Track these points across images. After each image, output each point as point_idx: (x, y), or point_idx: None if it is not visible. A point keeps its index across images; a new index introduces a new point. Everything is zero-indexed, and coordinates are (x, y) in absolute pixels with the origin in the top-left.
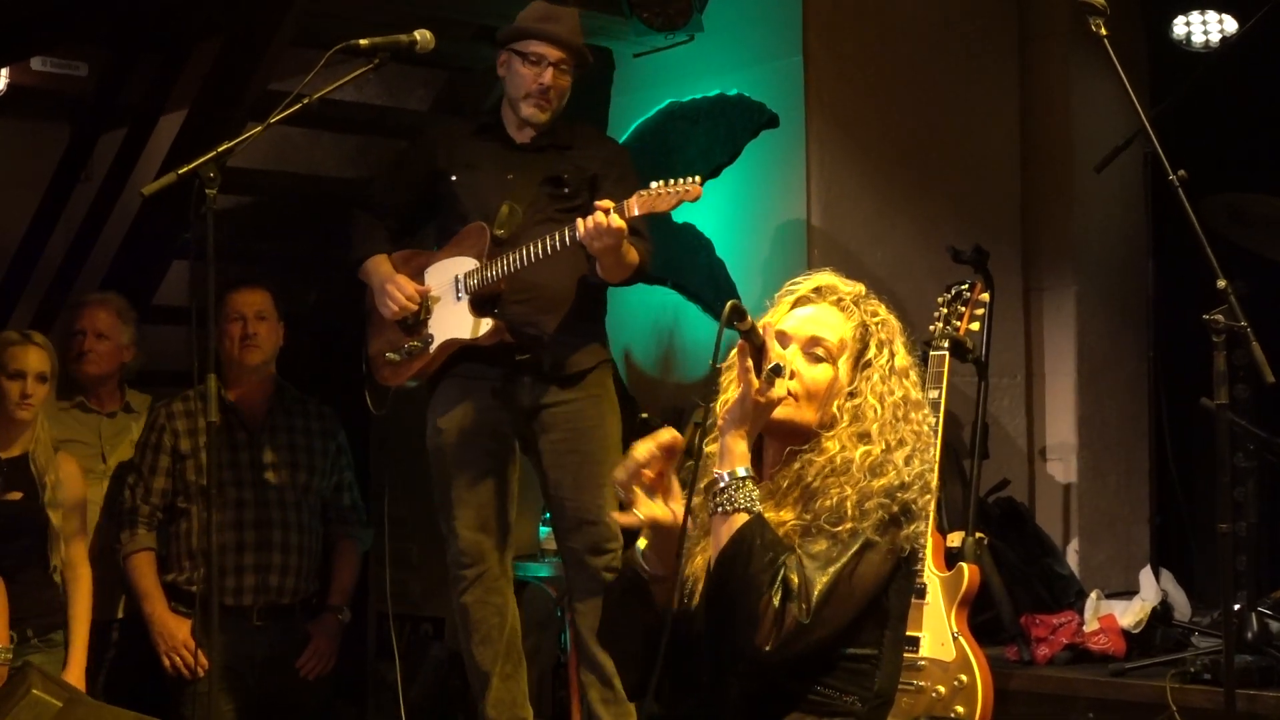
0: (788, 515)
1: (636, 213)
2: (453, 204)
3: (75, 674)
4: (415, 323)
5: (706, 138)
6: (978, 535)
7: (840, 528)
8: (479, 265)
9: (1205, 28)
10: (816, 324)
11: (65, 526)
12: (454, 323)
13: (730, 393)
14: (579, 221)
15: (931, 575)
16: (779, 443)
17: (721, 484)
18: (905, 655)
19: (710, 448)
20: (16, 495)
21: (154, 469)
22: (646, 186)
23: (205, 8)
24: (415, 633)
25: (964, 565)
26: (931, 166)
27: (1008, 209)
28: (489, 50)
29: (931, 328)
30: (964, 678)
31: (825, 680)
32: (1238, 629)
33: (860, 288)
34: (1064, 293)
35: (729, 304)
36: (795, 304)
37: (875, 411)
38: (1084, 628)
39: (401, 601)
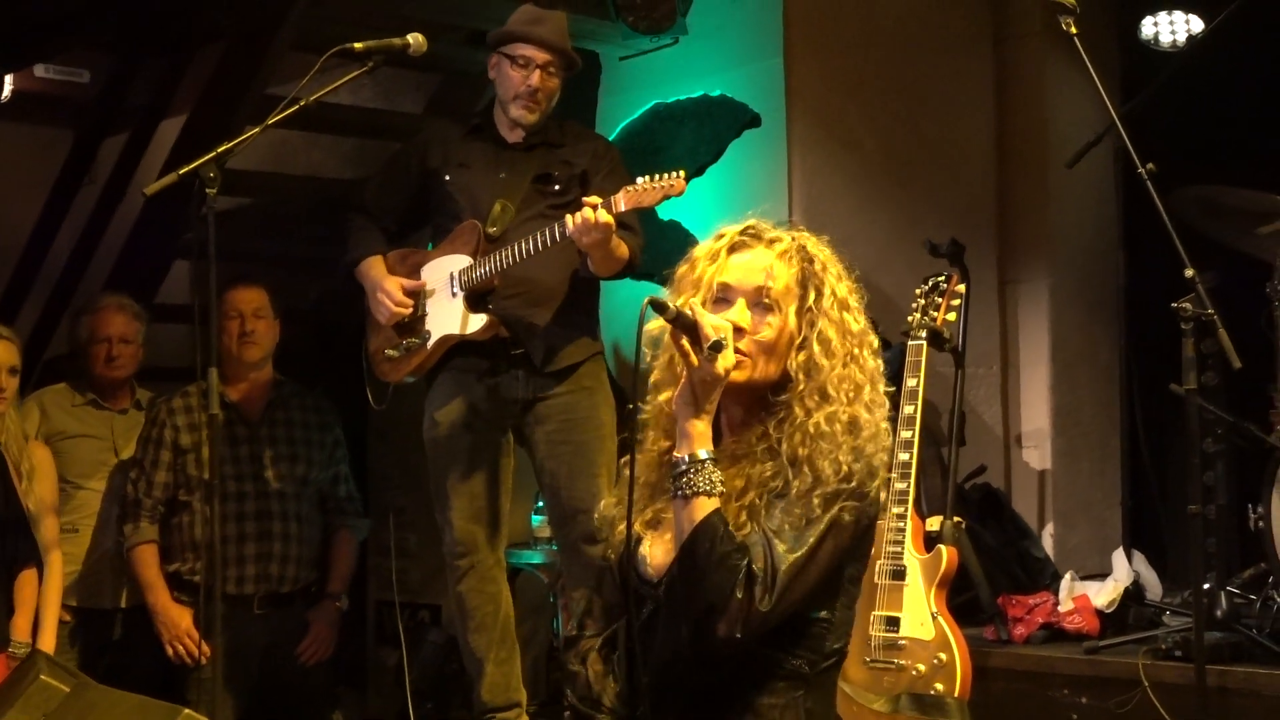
0: (755, 476)
1: (623, 208)
2: (447, 203)
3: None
4: (413, 320)
5: (692, 137)
6: (956, 519)
7: (814, 496)
8: (473, 262)
9: (1173, 27)
10: (759, 271)
11: (40, 511)
12: (450, 319)
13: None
14: (568, 218)
15: (911, 558)
16: (743, 404)
17: (681, 468)
18: (886, 635)
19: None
20: None
21: (155, 463)
22: (633, 182)
23: (206, 14)
24: (413, 619)
25: (943, 548)
26: (910, 163)
27: (984, 204)
28: (482, 54)
29: (910, 318)
30: (943, 656)
31: (774, 643)
32: (1208, 607)
33: (789, 231)
34: (1038, 284)
35: (647, 301)
36: (731, 250)
37: (827, 365)
38: (1059, 608)
39: (400, 589)
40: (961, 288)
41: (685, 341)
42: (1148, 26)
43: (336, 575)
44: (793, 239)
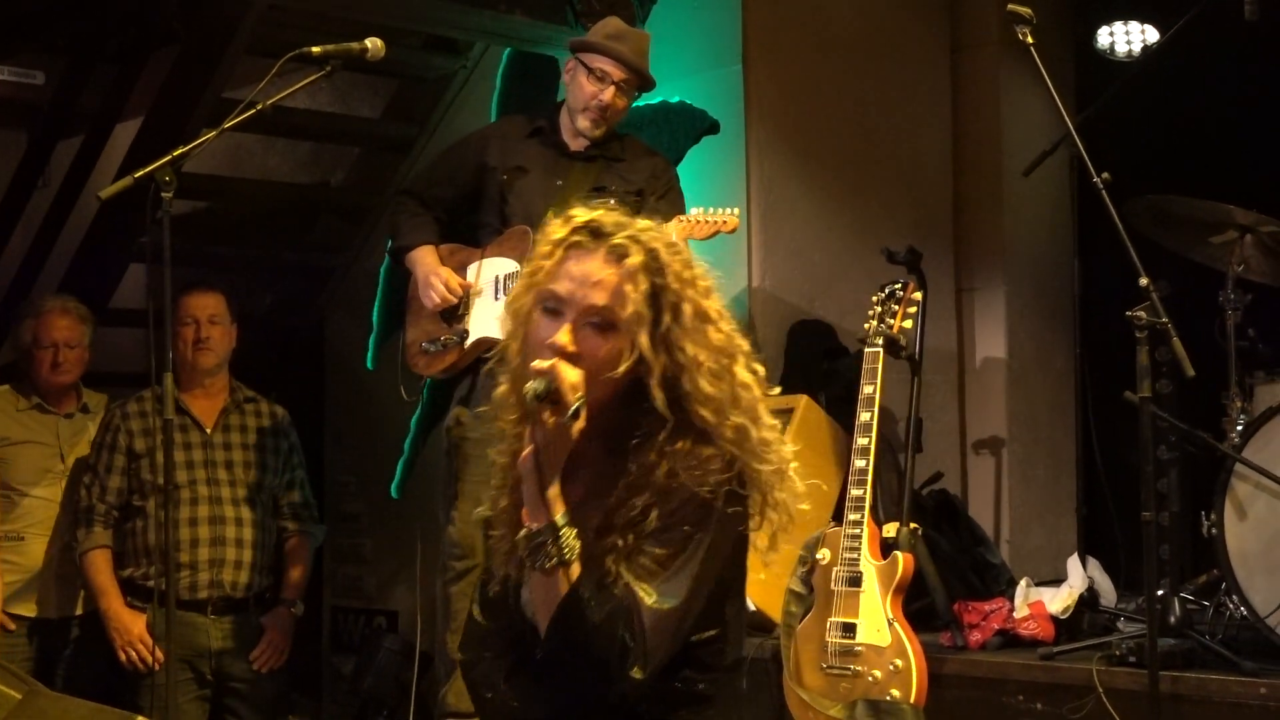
0: (618, 514)
1: (674, 239)
2: (498, 202)
3: None
4: (454, 317)
5: (650, 143)
6: (912, 525)
7: (684, 524)
8: (520, 269)
9: (1128, 37)
10: (596, 289)
11: None
12: (490, 321)
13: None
14: None
15: (867, 564)
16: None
17: (539, 539)
18: (842, 641)
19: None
20: None
21: (109, 468)
22: (686, 206)
23: (162, 17)
24: (369, 626)
25: (899, 554)
26: (867, 171)
27: (940, 212)
28: (439, 59)
29: (866, 325)
30: (899, 662)
31: (670, 675)
32: (1161, 614)
33: (641, 226)
34: (994, 292)
35: (530, 389)
36: (567, 251)
37: (699, 390)
38: (1014, 614)
39: (356, 595)
40: (918, 295)
41: (548, 414)
42: (1103, 36)
43: (291, 581)
44: (640, 246)
